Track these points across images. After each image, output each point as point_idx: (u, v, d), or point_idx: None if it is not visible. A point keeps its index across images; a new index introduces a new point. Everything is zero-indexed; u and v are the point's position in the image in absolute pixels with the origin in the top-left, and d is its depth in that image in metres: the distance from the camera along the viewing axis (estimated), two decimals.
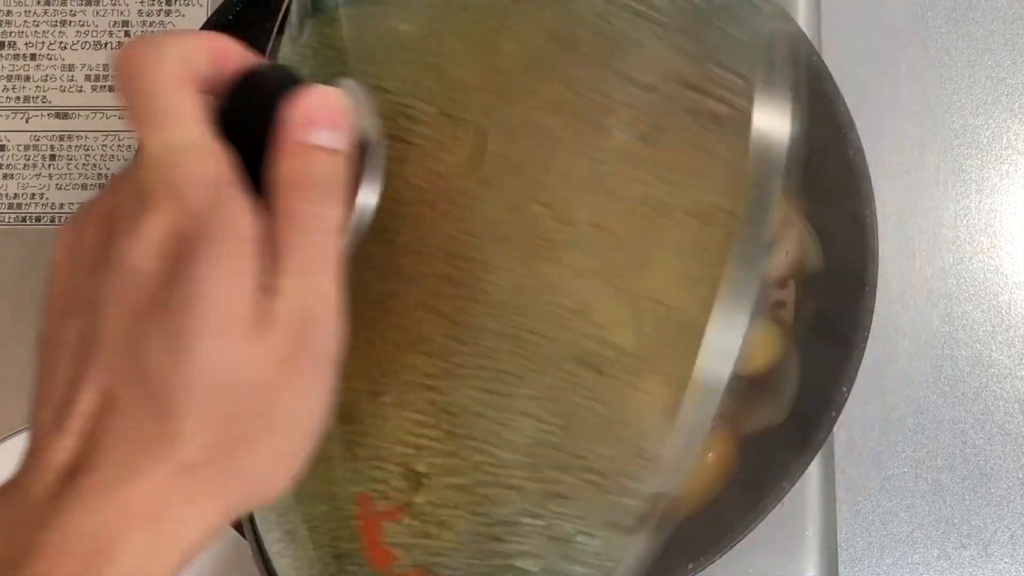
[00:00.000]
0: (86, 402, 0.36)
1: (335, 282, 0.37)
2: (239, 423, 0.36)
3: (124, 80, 0.36)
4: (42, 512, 0.35)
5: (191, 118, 0.36)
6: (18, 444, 0.48)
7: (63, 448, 0.36)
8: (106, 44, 0.70)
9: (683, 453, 0.39)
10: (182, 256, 0.35)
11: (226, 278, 0.35)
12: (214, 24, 0.60)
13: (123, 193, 0.37)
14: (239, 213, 0.35)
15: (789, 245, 0.60)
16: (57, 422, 0.36)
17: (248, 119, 0.37)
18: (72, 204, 0.68)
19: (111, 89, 0.69)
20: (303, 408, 0.37)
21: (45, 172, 0.68)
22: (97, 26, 0.70)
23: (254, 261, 0.36)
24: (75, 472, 0.35)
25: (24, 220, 0.68)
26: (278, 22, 0.47)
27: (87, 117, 0.69)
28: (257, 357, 0.35)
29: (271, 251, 0.36)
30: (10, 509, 0.36)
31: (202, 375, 0.35)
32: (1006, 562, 0.62)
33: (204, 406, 0.35)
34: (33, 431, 0.37)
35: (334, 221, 0.37)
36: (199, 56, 0.38)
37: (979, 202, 0.66)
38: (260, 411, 0.36)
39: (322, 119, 0.37)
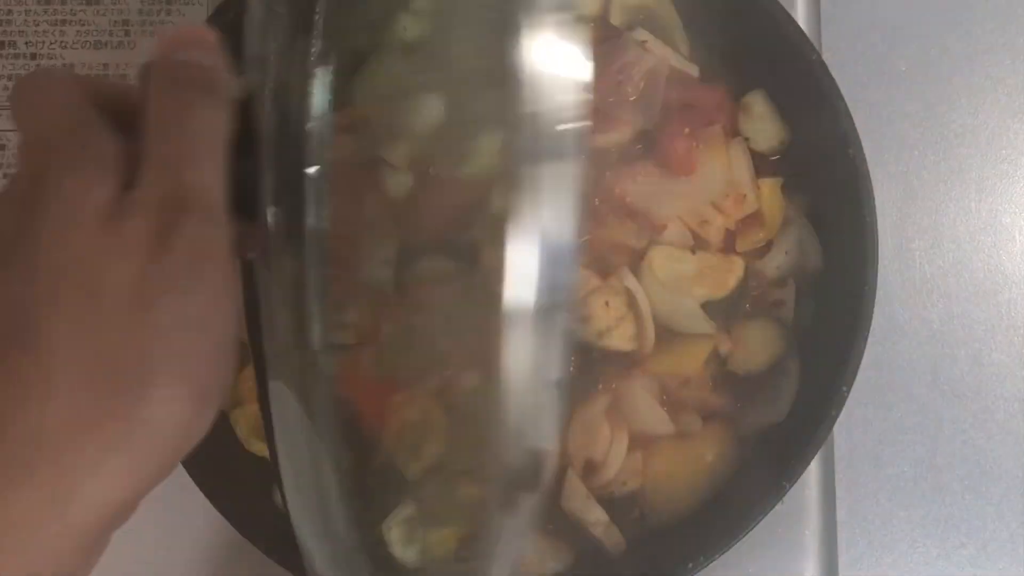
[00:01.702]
0: None
1: (211, 178, 0.35)
2: (114, 331, 0.32)
3: (15, 96, 0.36)
4: None
5: (62, 97, 0.36)
6: None
7: None
8: (106, 43, 0.70)
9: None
10: (34, 184, 0.33)
11: (71, 179, 0.33)
12: (215, 23, 0.60)
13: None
14: (92, 138, 0.34)
15: (789, 245, 0.60)
16: None
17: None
18: None
19: None
20: (187, 310, 0.33)
21: None
22: (97, 25, 0.70)
23: (109, 166, 0.34)
24: None
25: None
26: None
27: None
28: (113, 246, 0.32)
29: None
30: None
31: (56, 275, 0.32)
32: (1006, 561, 0.62)
33: (67, 313, 0.32)
34: None
35: (207, 120, 0.35)
36: (94, 82, 0.38)
37: (979, 201, 0.66)
38: (134, 314, 0.32)
39: (188, 42, 0.37)
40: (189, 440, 0.33)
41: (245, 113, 0.37)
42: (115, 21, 0.70)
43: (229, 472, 0.56)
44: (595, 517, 0.57)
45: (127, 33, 0.70)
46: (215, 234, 0.34)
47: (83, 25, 0.70)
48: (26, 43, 0.70)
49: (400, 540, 0.58)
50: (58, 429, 0.31)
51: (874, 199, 0.56)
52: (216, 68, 0.37)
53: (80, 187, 0.33)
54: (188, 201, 0.33)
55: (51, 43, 0.70)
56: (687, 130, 0.59)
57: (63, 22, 0.70)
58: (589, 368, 0.59)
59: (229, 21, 0.60)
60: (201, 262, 0.33)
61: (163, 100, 0.35)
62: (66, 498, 0.32)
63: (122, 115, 0.36)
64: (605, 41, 0.61)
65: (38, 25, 0.70)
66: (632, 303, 0.58)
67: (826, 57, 0.58)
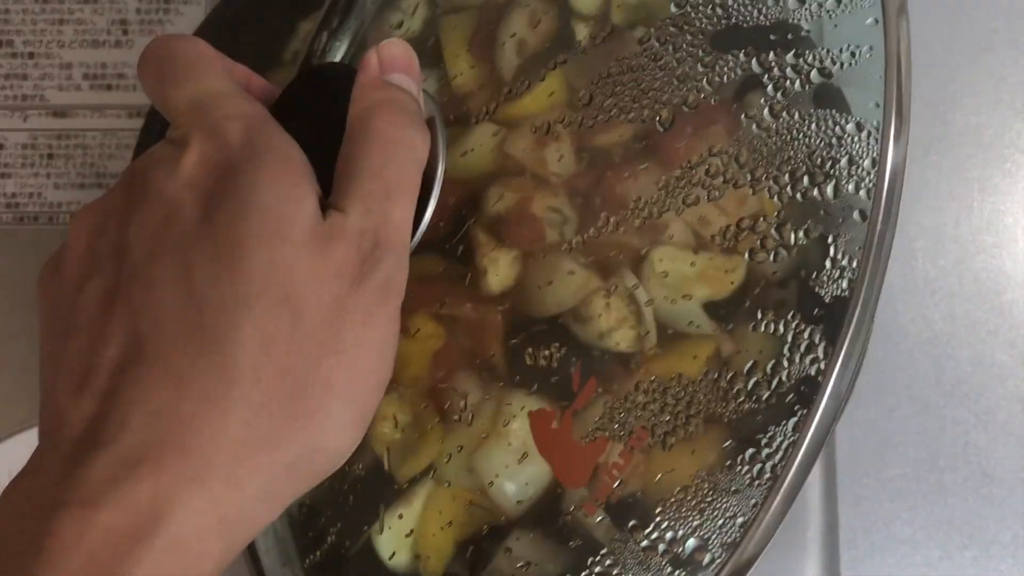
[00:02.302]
0: (108, 357, 0.31)
1: (409, 215, 0.35)
2: (303, 352, 0.31)
3: (152, 58, 0.35)
4: (46, 505, 0.29)
5: (220, 74, 0.35)
6: (19, 442, 0.48)
7: (78, 416, 0.30)
8: (104, 42, 0.70)
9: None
10: (225, 179, 0.32)
11: (280, 187, 0.32)
12: (213, 23, 0.60)
13: (149, 160, 0.34)
14: (282, 139, 0.34)
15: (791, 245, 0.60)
16: (75, 390, 0.31)
17: (311, 110, 0.37)
18: (70, 203, 0.68)
19: (109, 87, 0.69)
20: (371, 342, 0.33)
21: (43, 171, 0.68)
22: (95, 24, 0.70)
23: (308, 177, 0.33)
24: (91, 445, 0.29)
25: (22, 220, 0.68)
26: (320, 19, 0.47)
27: (85, 116, 0.69)
28: (320, 270, 0.32)
29: (339, 178, 0.34)
30: (16, 502, 0.30)
31: (257, 286, 0.30)
32: (1008, 563, 0.62)
33: (260, 326, 0.30)
34: (46, 410, 0.32)
35: (416, 153, 0.36)
36: (232, 64, 0.37)
37: (981, 201, 0.65)
38: (325, 338, 0.31)
39: (401, 64, 0.37)
40: (338, 465, 0.33)
41: None
42: (113, 20, 0.70)
43: None
44: (596, 519, 0.57)
45: (125, 32, 0.70)
46: (402, 273, 0.34)
47: (81, 24, 0.70)
48: (24, 42, 0.69)
49: (389, 546, 0.57)
50: (235, 444, 0.30)
51: None
52: (421, 98, 0.38)
53: (289, 198, 0.32)
54: (389, 237, 0.34)
55: (48, 42, 0.69)
56: (688, 129, 0.58)
57: (61, 21, 0.70)
58: (590, 369, 0.58)
59: (227, 21, 0.60)
60: (388, 298, 0.33)
61: (379, 126, 0.35)
62: (235, 521, 0.30)
63: None
64: (605, 40, 0.61)
65: (36, 24, 0.70)
66: (633, 304, 0.58)
67: None
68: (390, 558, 0.58)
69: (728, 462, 0.46)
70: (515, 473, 0.59)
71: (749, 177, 0.43)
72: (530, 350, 0.58)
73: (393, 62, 0.37)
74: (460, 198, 0.61)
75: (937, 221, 0.65)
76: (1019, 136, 0.66)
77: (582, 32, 0.62)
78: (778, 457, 0.42)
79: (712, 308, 0.61)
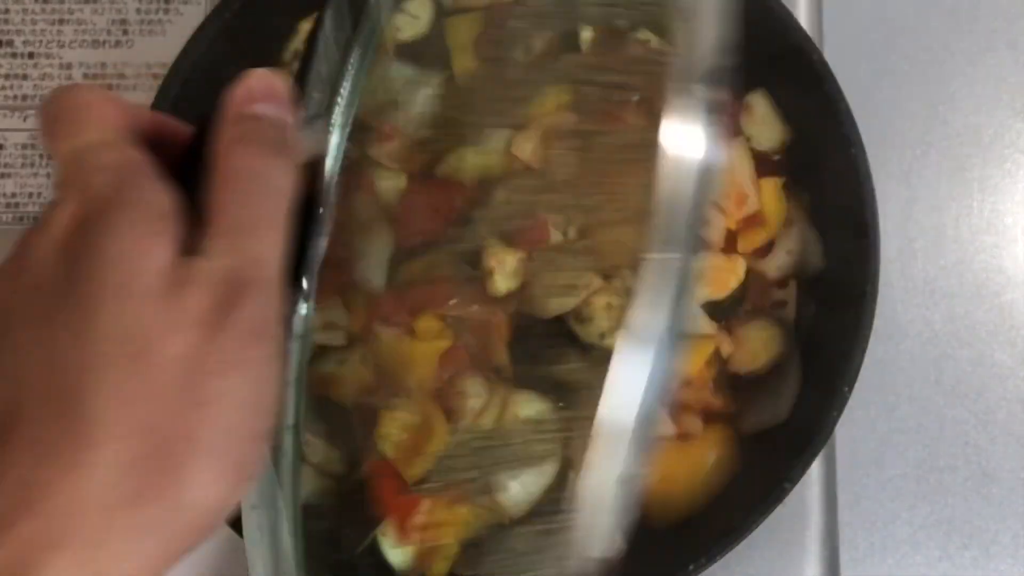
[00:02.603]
0: None
1: (275, 249, 0.33)
2: (163, 408, 0.30)
3: (43, 113, 0.35)
4: None
5: (102, 125, 0.34)
6: None
7: None
8: (104, 42, 0.70)
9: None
10: (83, 234, 0.31)
11: (129, 239, 0.31)
12: (213, 22, 0.60)
13: (35, 222, 0.34)
14: (146, 188, 0.32)
15: (790, 245, 0.60)
16: None
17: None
18: None
19: (109, 87, 0.69)
20: (237, 390, 0.31)
21: (43, 171, 0.68)
22: (95, 24, 0.70)
23: (166, 225, 0.32)
24: None
25: (22, 219, 0.68)
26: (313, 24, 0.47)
27: None
28: (173, 319, 0.31)
29: (200, 220, 0.33)
30: None
31: (109, 344, 0.30)
32: (1008, 563, 0.62)
33: (117, 384, 0.30)
34: None
35: (277, 183, 0.34)
36: (137, 111, 0.36)
37: (981, 201, 0.66)
38: (185, 391, 0.30)
39: (261, 93, 0.36)
40: (221, 519, 0.32)
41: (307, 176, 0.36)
42: (113, 20, 0.70)
43: None
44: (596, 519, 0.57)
45: (125, 32, 0.70)
46: (271, 313, 0.32)
47: (81, 24, 0.70)
48: (24, 42, 0.69)
49: (394, 545, 0.57)
50: (97, 506, 0.30)
51: (876, 199, 0.56)
52: (288, 126, 0.36)
53: (138, 249, 0.31)
54: (250, 276, 0.32)
55: (48, 42, 0.69)
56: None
57: (61, 21, 0.70)
58: (591, 370, 0.58)
59: (227, 21, 0.60)
60: (255, 340, 0.32)
61: (235, 160, 0.34)
62: None
63: (165, 154, 0.35)
64: (608, 41, 0.61)
65: (36, 24, 0.70)
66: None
67: (828, 56, 0.58)
68: (395, 558, 0.58)
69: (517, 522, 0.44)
70: (518, 473, 0.59)
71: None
72: (533, 351, 0.58)
73: (252, 94, 0.36)
74: (467, 200, 0.61)
75: (937, 221, 0.65)
76: (1019, 136, 0.66)
77: (587, 36, 0.62)
78: (561, 517, 0.39)
79: (712, 308, 0.62)
